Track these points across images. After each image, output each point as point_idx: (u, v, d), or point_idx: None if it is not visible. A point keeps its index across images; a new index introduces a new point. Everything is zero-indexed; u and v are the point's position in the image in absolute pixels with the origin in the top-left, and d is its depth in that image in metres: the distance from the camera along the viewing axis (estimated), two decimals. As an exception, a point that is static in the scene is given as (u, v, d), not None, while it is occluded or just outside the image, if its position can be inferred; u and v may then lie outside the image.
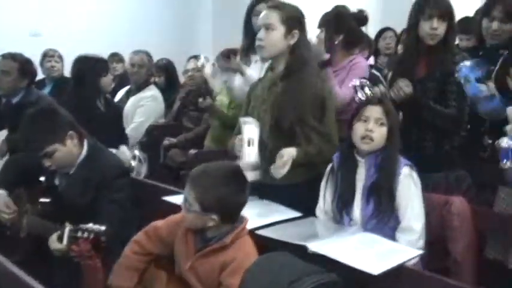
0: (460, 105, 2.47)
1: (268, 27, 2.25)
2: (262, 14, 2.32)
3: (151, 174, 3.71)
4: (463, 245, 2.14)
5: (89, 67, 3.40)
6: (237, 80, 3.10)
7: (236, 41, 3.30)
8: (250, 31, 3.03)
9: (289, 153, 2.16)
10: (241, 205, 1.83)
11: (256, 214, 2.07)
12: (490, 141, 2.56)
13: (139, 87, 4.24)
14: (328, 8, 3.06)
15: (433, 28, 2.45)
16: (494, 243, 2.27)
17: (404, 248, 1.90)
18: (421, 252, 1.88)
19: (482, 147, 2.65)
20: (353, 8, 3.67)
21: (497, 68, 2.63)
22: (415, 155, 2.21)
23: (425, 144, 2.50)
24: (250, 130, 2.27)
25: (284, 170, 2.15)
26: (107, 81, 3.50)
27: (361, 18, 3.77)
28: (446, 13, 2.47)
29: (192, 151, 3.69)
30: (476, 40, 3.00)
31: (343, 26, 2.96)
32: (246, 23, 3.12)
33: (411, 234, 2.00)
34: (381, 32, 4.65)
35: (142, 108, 4.15)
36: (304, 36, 2.33)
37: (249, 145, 2.24)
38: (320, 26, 2.95)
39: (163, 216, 1.98)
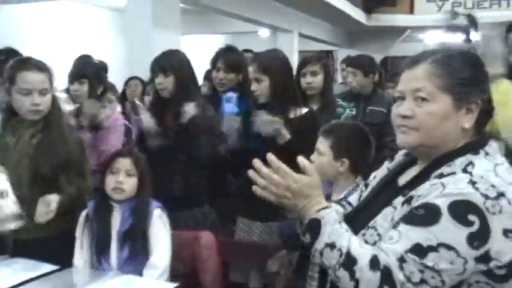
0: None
1: (42, 93, 2.26)
2: (31, 78, 2.25)
3: None
4: (211, 275, 2.39)
5: None
6: None
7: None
8: None
9: (54, 199, 2.15)
10: None
11: (8, 274, 1.98)
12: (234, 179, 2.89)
13: None
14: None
15: (158, 83, 2.74)
16: (237, 268, 2.58)
17: (160, 283, 2.06)
18: (175, 284, 2.05)
19: (227, 184, 2.96)
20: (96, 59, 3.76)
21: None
22: (166, 196, 2.38)
23: (174, 186, 2.69)
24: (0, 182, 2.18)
25: (49, 216, 2.13)
26: None
27: (105, 67, 3.90)
28: (170, 69, 2.72)
29: None
30: (211, 88, 3.38)
31: (104, 77, 3.06)
32: None
33: (154, 271, 2.14)
34: (128, 80, 4.84)
35: None
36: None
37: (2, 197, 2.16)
38: (81, 77, 2.97)
39: None
